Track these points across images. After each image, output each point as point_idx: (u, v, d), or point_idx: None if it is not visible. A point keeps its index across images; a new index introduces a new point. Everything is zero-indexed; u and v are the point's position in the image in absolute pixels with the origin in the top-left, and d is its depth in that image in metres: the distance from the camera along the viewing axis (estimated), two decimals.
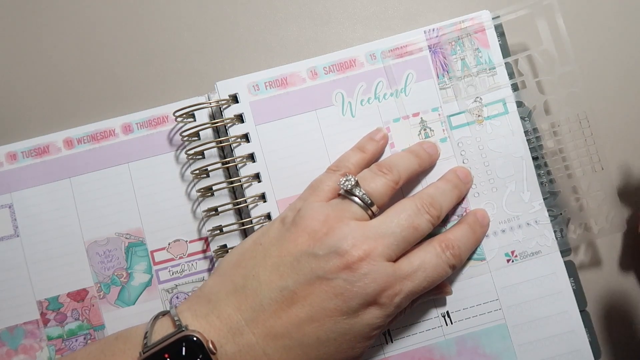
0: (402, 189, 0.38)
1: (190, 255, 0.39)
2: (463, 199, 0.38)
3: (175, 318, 0.32)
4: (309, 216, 0.33)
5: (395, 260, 0.33)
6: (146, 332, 0.32)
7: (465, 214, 0.38)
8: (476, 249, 0.37)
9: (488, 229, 0.38)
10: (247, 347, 0.31)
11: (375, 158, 0.38)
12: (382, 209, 0.35)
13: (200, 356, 0.30)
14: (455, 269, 0.35)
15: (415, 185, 0.38)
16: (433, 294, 0.37)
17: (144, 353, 0.30)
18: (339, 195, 0.35)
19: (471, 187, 0.38)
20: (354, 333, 0.32)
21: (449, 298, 0.37)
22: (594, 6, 0.42)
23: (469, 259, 0.38)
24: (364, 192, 0.34)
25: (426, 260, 0.33)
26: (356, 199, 0.34)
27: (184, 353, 0.30)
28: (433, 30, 0.38)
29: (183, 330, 0.31)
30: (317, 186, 0.35)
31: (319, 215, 0.33)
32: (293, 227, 0.33)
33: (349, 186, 0.34)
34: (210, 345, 0.30)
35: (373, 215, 0.34)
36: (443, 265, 0.34)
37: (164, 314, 0.34)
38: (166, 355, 0.30)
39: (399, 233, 0.33)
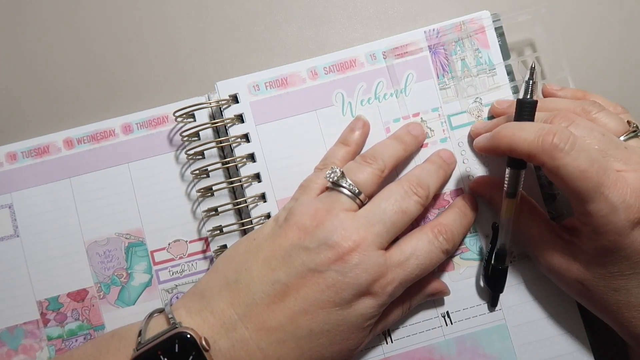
0: (398, 172, 0.38)
1: (190, 255, 0.39)
2: (447, 180, 0.38)
3: (170, 315, 0.32)
4: (299, 211, 0.33)
5: (387, 247, 0.33)
6: (140, 330, 0.32)
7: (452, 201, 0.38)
8: (468, 232, 0.37)
9: (477, 213, 0.38)
10: (241, 342, 0.31)
11: (359, 148, 0.38)
12: (371, 198, 0.35)
13: (194, 353, 0.30)
14: (449, 254, 0.35)
15: (406, 167, 0.38)
16: (431, 295, 0.37)
17: (137, 350, 0.30)
18: (327, 188, 0.35)
19: (455, 167, 0.38)
20: (347, 324, 0.32)
21: (449, 298, 0.37)
22: (590, 15, 0.42)
23: (469, 259, 0.38)
24: (350, 182, 0.34)
25: (418, 247, 0.33)
26: (344, 190, 0.34)
27: (177, 350, 0.30)
28: (433, 30, 0.38)
29: (176, 327, 0.31)
30: (307, 185, 0.36)
31: (309, 210, 0.33)
32: (285, 223, 0.33)
33: (335, 177, 0.34)
34: (204, 342, 0.30)
35: (362, 205, 0.34)
36: (436, 251, 0.34)
37: (159, 311, 0.34)
38: (159, 352, 0.30)
39: (387, 219, 0.33)
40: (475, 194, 0.38)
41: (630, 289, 0.31)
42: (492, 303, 0.37)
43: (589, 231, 0.31)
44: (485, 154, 0.37)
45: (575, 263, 0.33)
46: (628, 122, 0.34)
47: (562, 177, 0.30)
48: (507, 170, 0.33)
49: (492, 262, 0.36)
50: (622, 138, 0.33)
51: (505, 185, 0.34)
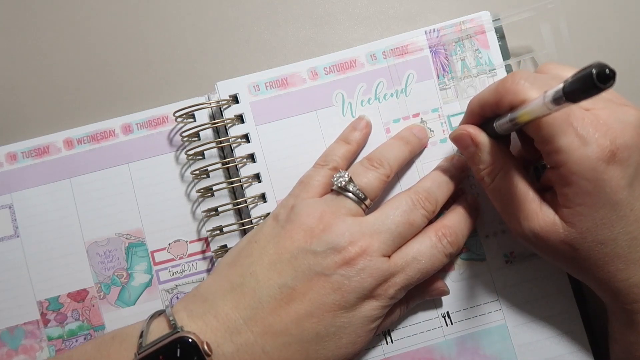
0: (398, 174, 0.38)
1: (190, 255, 0.39)
2: (460, 188, 0.38)
3: (170, 318, 0.32)
4: (304, 213, 0.33)
5: (390, 254, 0.33)
6: (142, 332, 0.32)
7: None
8: (470, 234, 0.37)
9: (480, 213, 0.37)
10: (246, 346, 0.31)
11: (360, 147, 0.38)
12: (375, 201, 0.35)
13: (195, 358, 0.30)
14: (452, 257, 0.35)
15: (408, 167, 0.38)
16: (430, 294, 0.37)
17: (138, 354, 0.30)
18: (332, 190, 0.35)
19: (467, 175, 0.38)
20: (353, 326, 0.32)
21: (449, 298, 0.37)
22: (596, 10, 0.42)
23: (469, 259, 0.38)
24: (357, 187, 0.34)
25: (421, 252, 0.33)
26: (350, 195, 0.34)
27: (179, 355, 0.30)
28: (434, 30, 0.38)
29: (178, 332, 0.31)
30: (307, 182, 0.35)
31: (314, 212, 0.33)
32: (288, 223, 0.33)
33: (343, 182, 0.34)
34: (206, 347, 0.30)
35: (367, 209, 0.34)
36: (438, 255, 0.34)
37: (160, 313, 0.34)
38: (161, 357, 0.30)
39: (394, 229, 0.33)
40: (456, 144, 0.35)
41: (616, 238, 0.30)
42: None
43: (564, 174, 0.29)
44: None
45: (560, 222, 0.31)
46: None
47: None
48: (496, 124, 0.32)
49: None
50: None
51: (507, 121, 0.31)
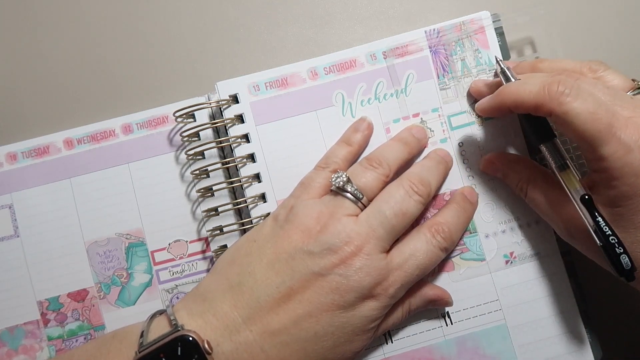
0: (397, 174, 0.38)
1: (190, 255, 0.39)
2: (446, 178, 0.38)
3: (171, 317, 0.32)
4: (302, 213, 0.33)
5: (389, 249, 0.33)
6: (142, 331, 0.32)
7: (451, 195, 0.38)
8: (467, 227, 0.37)
9: (478, 205, 0.38)
10: (244, 344, 0.31)
11: (362, 149, 0.38)
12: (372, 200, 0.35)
13: (196, 356, 0.30)
14: (448, 251, 0.36)
15: (407, 168, 0.38)
16: (434, 305, 0.37)
17: (139, 352, 0.30)
18: (331, 191, 0.35)
19: (452, 166, 0.38)
20: (351, 326, 0.32)
21: None
22: (589, 15, 0.42)
23: (469, 259, 0.38)
24: (355, 187, 0.34)
25: (417, 248, 0.34)
26: (348, 195, 0.34)
27: (179, 353, 0.30)
28: (434, 30, 0.38)
29: (179, 330, 0.31)
30: (308, 184, 0.36)
31: (312, 213, 0.33)
32: (287, 224, 0.33)
33: (341, 183, 0.34)
34: (206, 345, 0.30)
35: (364, 207, 0.34)
36: (434, 250, 0.34)
37: (160, 312, 0.34)
38: (161, 355, 0.30)
39: (387, 222, 0.33)
40: (488, 172, 0.38)
41: None
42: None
43: (606, 179, 0.30)
44: (490, 115, 0.37)
45: None
46: (633, 80, 0.34)
47: (572, 121, 0.30)
48: (543, 148, 0.34)
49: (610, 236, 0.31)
50: (628, 94, 0.33)
51: (551, 162, 0.33)
